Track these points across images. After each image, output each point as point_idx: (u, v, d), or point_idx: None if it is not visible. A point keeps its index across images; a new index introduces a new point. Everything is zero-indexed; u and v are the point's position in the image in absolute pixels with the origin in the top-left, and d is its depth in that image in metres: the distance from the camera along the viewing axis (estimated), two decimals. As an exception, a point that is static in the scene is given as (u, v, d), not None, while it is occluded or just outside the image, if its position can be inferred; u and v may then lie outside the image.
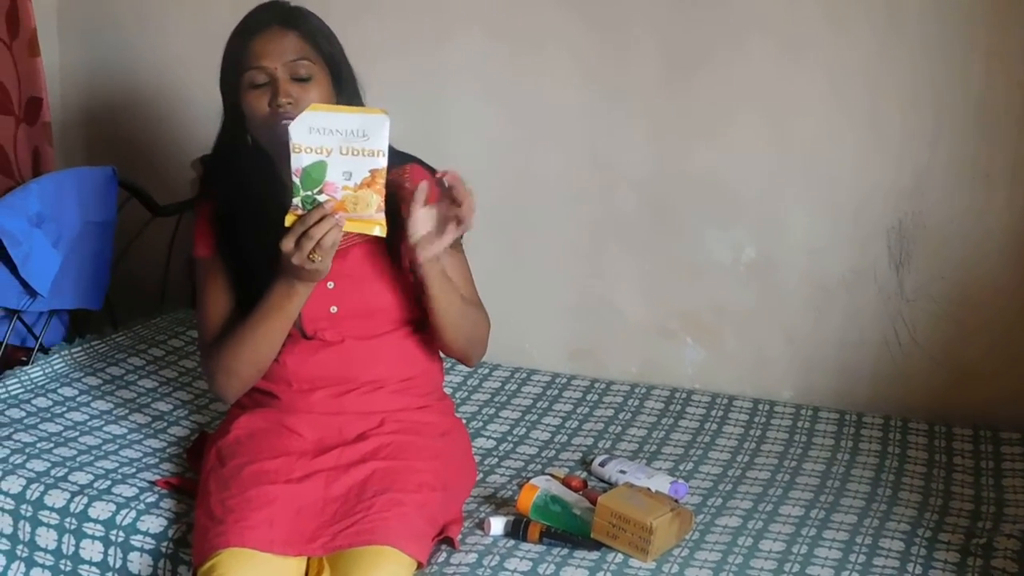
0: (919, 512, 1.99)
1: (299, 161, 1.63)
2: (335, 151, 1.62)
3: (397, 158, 1.91)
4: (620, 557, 1.78)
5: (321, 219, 1.64)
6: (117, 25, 2.96)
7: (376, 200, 1.65)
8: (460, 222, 1.73)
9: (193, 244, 1.93)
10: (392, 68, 2.63)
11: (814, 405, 2.45)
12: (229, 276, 1.87)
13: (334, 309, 1.87)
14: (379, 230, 1.67)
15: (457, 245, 1.88)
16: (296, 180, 1.64)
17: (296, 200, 1.64)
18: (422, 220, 1.74)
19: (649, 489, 1.92)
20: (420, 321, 1.92)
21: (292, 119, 1.76)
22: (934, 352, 2.42)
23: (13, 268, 2.32)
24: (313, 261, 1.67)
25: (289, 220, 1.65)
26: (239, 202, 1.87)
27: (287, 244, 1.66)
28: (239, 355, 1.84)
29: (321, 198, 1.63)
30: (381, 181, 1.64)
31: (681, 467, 2.17)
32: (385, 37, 2.65)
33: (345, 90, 1.88)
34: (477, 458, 2.15)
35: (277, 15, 1.86)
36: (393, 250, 1.85)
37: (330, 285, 1.85)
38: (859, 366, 2.48)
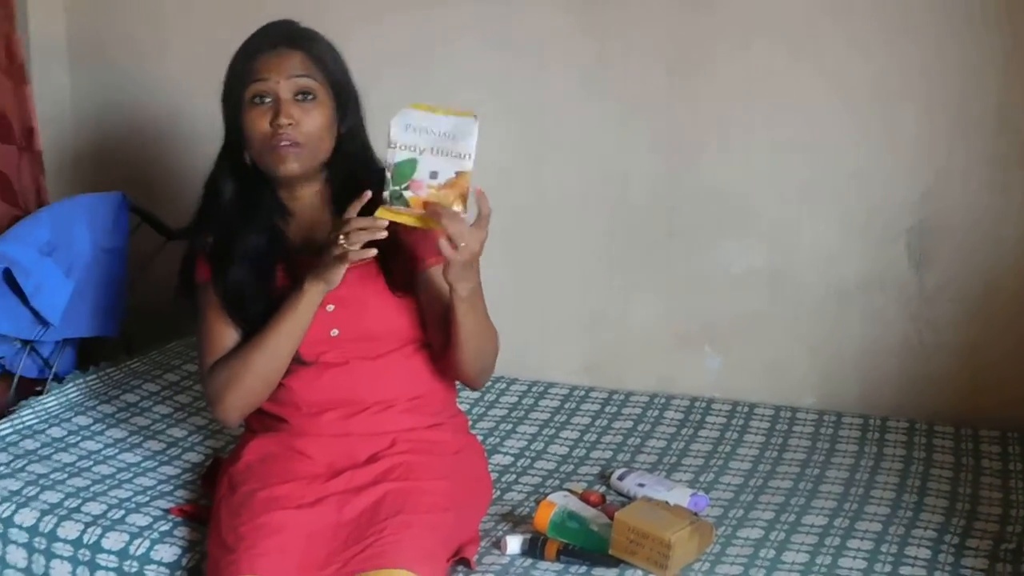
0: (946, 518, 1.95)
1: (393, 157, 1.65)
2: (427, 150, 1.64)
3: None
4: (639, 573, 1.75)
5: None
6: (127, 50, 2.97)
7: (457, 202, 1.65)
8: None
9: (193, 270, 1.92)
10: (394, 78, 2.58)
11: (837, 411, 2.41)
12: (223, 301, 1.86)
13: (335, 332, 1.85)
14: (434, 225, 1.66)
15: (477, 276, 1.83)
16: (388, 175, 1.66)
17: (386, 194, 1.66)
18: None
19: (667, 503, 1.89)
20: (423, 340, 1.90)
21: (292, 141, 1.76)
22: (958, 354, 2.38)
23: (25, 298, 2.32)
24: (343, 244, 1.68)
25: (380, 212, 1.66)
26: (235, 225, 1.85)
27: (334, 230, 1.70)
28: (248, 370, 1.81)
29: (407, 194, 1.65)
30: (464, 184, 1.65)
31: (701, 478, 2.14)
32: (387, 47, 2.63)
33: (348, 113, 1.87)
34: (494, 475, 2.12)
35: (284, 35, 1.86)
36: (389, 273, 1.84)
37: (329, 308, 1.83)
38: (881, 370, 2.44)
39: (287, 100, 1.80)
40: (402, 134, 1.65)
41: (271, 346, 1.81)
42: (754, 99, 2.44)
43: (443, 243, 1.65)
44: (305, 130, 1.80)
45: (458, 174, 1.64)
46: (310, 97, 1.82)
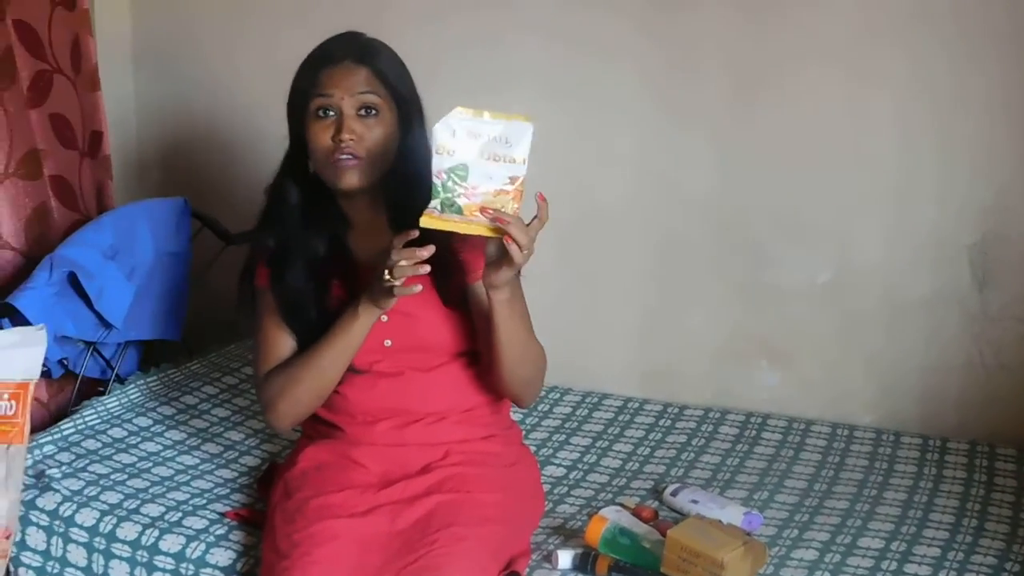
0: (1007, 544, 1.91)
1: (441, 163, 1.62)
2: (477, 155, 1.61)
3: None
4: (691, 592, 1.73)
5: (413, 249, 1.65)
6: (190, 56, 3.00)
7: (513, 207, 1.63)
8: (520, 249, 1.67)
9: (254, 274, 1.94)
10: (452, 76, 2.58)
11: (896, 430, 2.37)
12: (279, 306, 1.88)
13: (388, 343, 1.87)
14: (484, 231, 1.63)
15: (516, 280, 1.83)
16: (437, 182, 1.62)
17: (435, 202, 1.62)
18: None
19: (720, 521, 1.87)
20: (476, 353, 1.90)
21: (353, 155, 1.77)
22: (1022, 374, 2.33)
23: (89, 301, 2.36)
24: (388, 279, 1.67)
25: (424, 220, 1.63)
26: (296, 232, 1.87)
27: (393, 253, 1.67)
28: (302, 381, 1.84)
29: (461, 201, 1.62)
30: (520, 188, 1.63)
31: (756, 496, 2.11)
32: (445, 45, 2.63)
33: (412, 129, 1.86)
34: (546, 487, 2.12)
35: (350, 49, 1.85)
36: (442, 287, 1.84)
37: (384, 318, 1.84)
38: (942, 389, 2.40)
39: (350, 116, 1.81)
40: (450, 139, 1.61)
41: (324, 362, 1.83)
42: (813, 112, 2.41)
43: (512, 247, 1.64)
44: (367, 145, 1.81)
45: (512, 179, 1.62)
46: (373, 112, 1.82)
